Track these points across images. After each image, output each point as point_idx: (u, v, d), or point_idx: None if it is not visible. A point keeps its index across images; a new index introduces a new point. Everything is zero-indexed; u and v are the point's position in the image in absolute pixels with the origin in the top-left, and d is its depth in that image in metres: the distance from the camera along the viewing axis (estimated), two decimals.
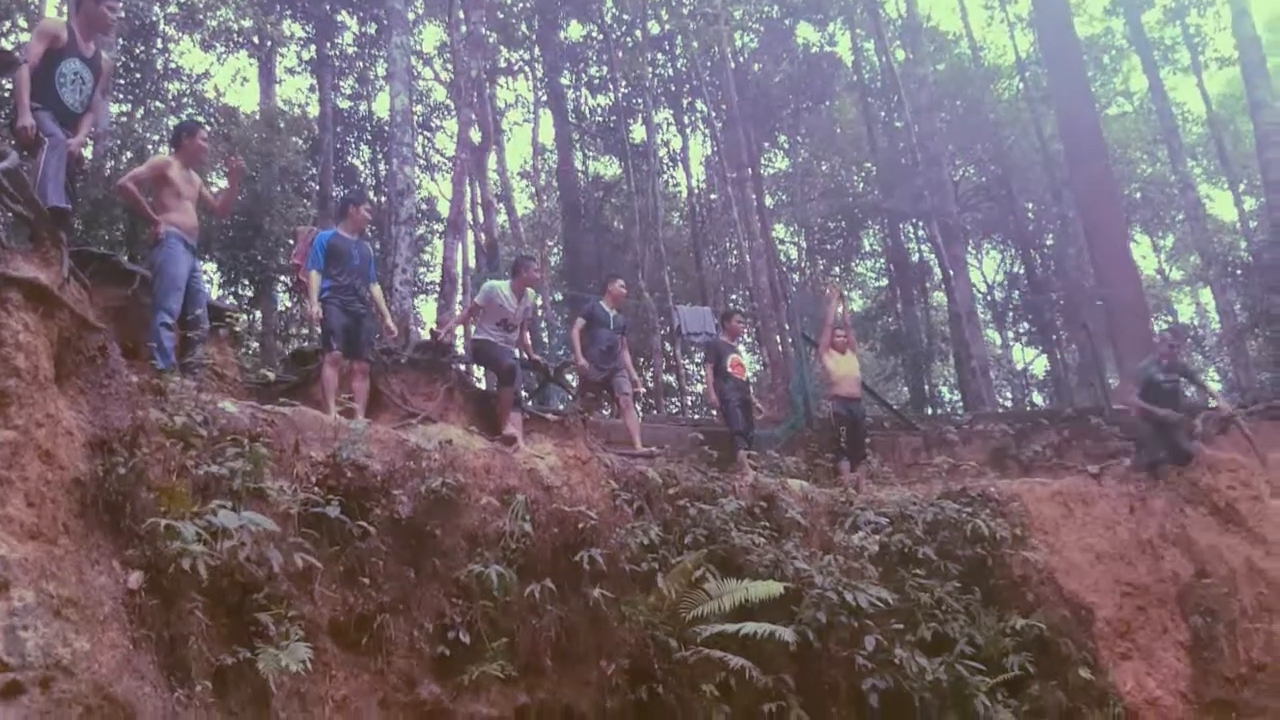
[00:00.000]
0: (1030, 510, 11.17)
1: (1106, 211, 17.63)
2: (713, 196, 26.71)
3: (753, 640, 8.22)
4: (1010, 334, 27.57)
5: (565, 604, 7.87)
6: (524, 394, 11.68)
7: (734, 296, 23.56)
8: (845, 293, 28.07)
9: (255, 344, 19.01)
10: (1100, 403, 15.89)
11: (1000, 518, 10.79)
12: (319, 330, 9.82)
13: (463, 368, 11.77)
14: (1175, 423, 12.25)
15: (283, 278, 18.18)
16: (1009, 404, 24.85)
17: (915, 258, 25.20)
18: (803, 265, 28.98)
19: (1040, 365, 26.69)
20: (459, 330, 12.46)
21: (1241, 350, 20.04)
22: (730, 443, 12.13)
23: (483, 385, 11.47)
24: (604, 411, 12.56)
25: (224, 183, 15.18)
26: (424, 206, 25.75)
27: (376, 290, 10.31)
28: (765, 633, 8.20)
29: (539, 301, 20.61)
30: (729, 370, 12.49)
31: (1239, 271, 19.29)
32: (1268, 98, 19.04)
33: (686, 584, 8.62)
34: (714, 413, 13.41)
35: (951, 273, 20.41)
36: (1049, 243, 24.51)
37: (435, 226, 25.86)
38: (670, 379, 21.01)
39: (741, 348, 14.73)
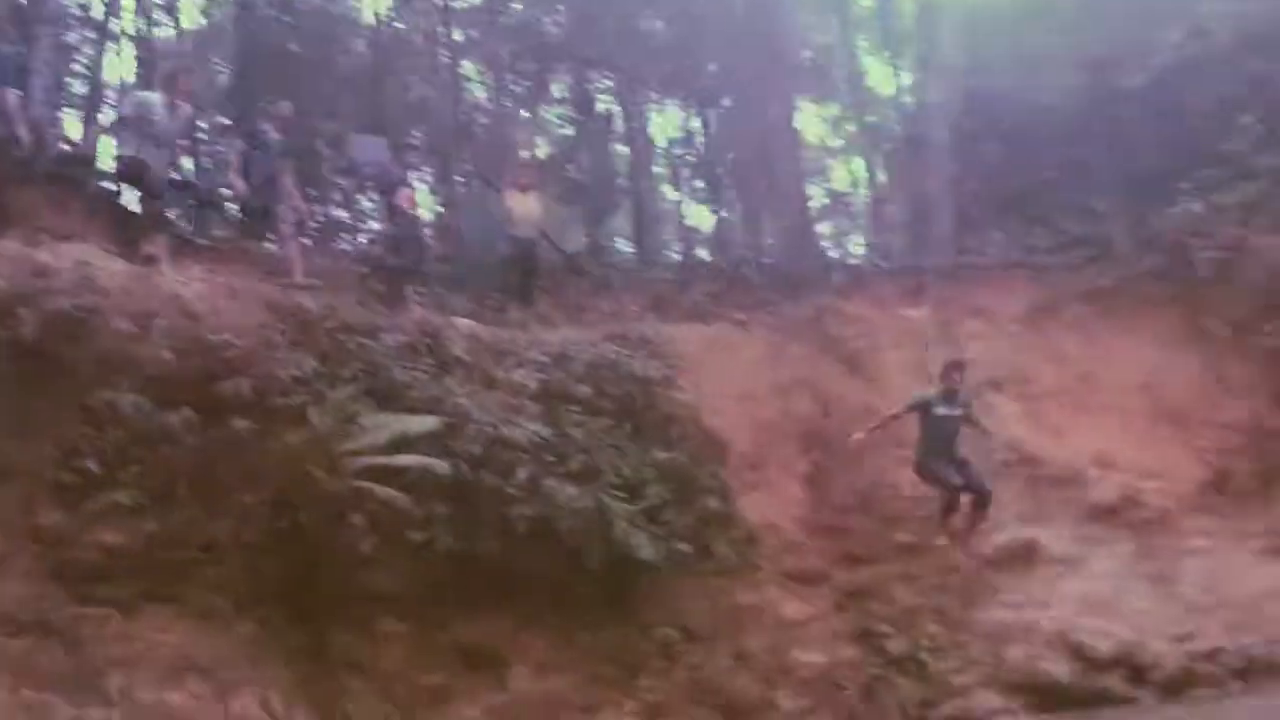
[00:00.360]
0: (683, 353, 11.91)
1: (772, 77, 18.48)
2: (399, 26, 25.48)
3: (406, 473, 8.32)
4: (684, 190, 28.51)
5: (206, 434, 7.63)
6: (175, 216, 10.97)
7: (415, 132, 22.81)
8: (533, 137, 27.99)
9: None
10: (754, 257, 16.97)
11: (655, 360, 11.42)
12: None
13: (106, 184, 10.84)
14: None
15: None
16: (679, 257, 25.84)
17: (600, 108, 25.35)
18: (489, 106, 28.30)
19: (709, 222, 27.91)
20: (105, 144, 11.44)
21: (882, 214, 21.89)
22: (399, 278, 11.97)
23: (127, 203, 10.58)
24: (268, 242, 12.00)
25: None
26: (77, 11, 23.02)
27: (11, 96, 9.26)
28: (419, 466, 8.34)
29: (203, 125, 19.12)
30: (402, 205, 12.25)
31: (888, 144, 20.88)
32: None
33: (340, 417, 8.53)
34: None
35: (633, 125, 20.79)
36: (726, 103, 25.37)
37: (90, 35, 23.13)
38: (343, 214, 20.28)
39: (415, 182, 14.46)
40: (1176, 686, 9.36)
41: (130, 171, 10.02)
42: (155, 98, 10.14)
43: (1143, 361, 12.97)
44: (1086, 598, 10.13)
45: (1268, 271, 12.70)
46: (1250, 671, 9.23)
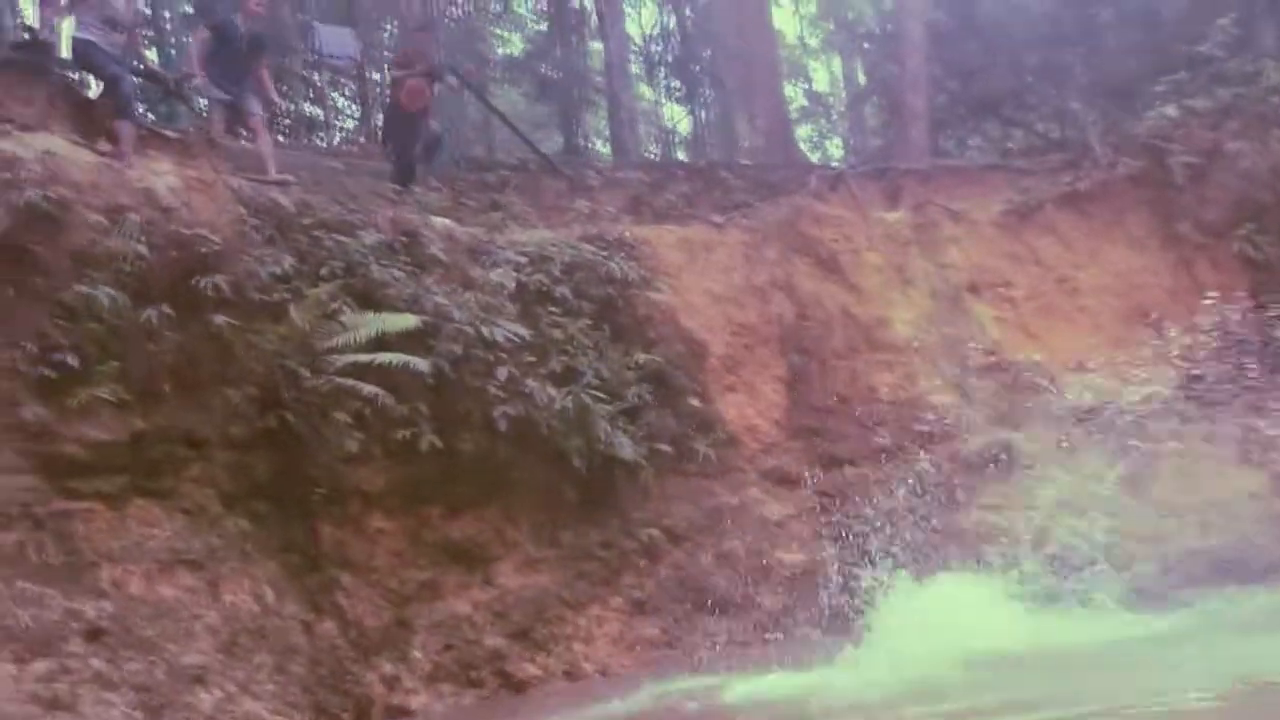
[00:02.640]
0: (659, 255, 11.84)
1: None
2: None
3: (388, 371, 8.32)
4: (661, 90, 28.11)
5: (185, 330, 7.52)
6: (142, 107, 10.65)
7: (385, 25, 22.22)
8: (504, 33, 27.28)
9: None
10: (730, 159, 16.81)
11: (632, 261, 11.36)
12: None
13: (66, 73, 10.44)
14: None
15: None
16: (656, 158, 25.59)
17: (575, 4, 24.82)
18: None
19: (686, 123, 27.59)
20: (64, 29, 10.96)
21: (860, 116, 21.73)
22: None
23: (91, 94, 10.22)
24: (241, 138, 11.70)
25: None
26: None
27: None
28: (400, 363, 8.33)
29: (167, 14, 18.48)
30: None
31: (864, 41, 20.61)
32: None
33: (320, 315, 8.49)
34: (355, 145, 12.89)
35: (608, 21, 20.34)
36: (702, 0, 24.91)
37: None
38: (316, 110, 19.84)
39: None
40: (1155, 589, 9.59)
41: (81, 55, 9.68)
42: None
43: (1117, 265, 13.05)
44: (1062, 500, 10.33)
45: (1241, 176, 12.72)
46: (1222, 572, 9.47)
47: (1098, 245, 13.12)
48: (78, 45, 9.61)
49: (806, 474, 11.38)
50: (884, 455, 11.42)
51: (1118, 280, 12.87)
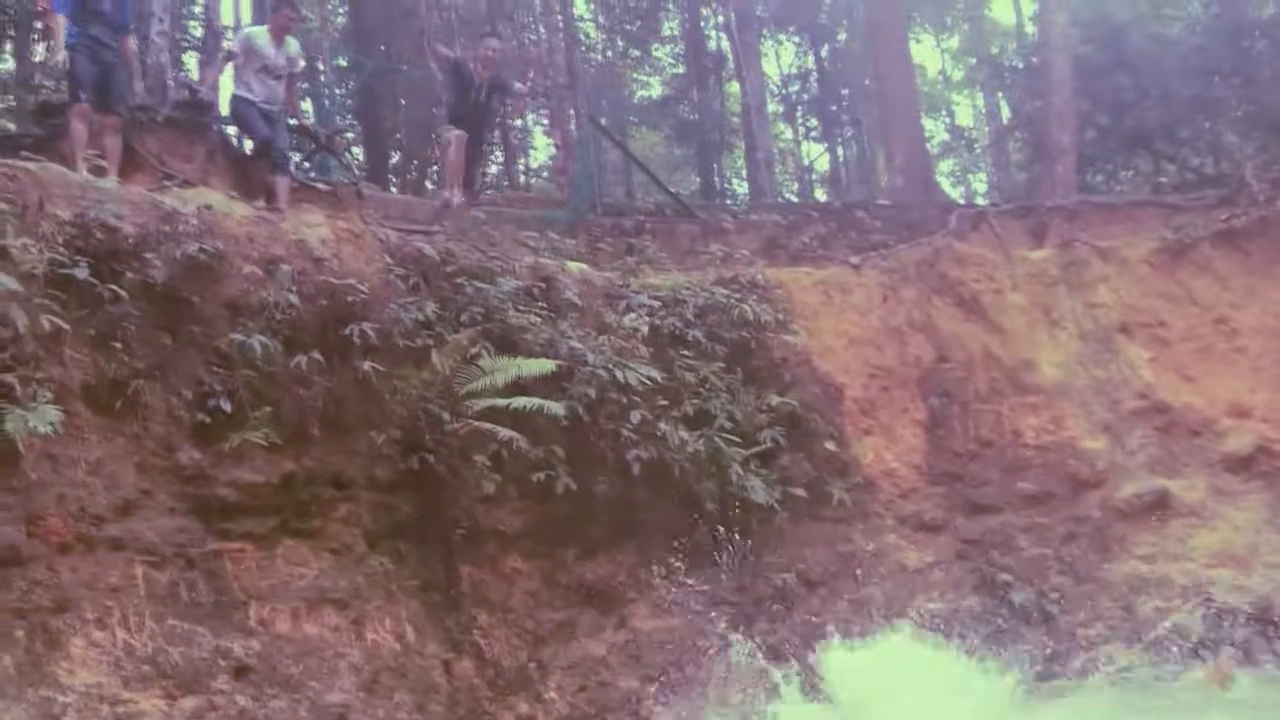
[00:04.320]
0: (794, 297, 11.79)
1: (888, 8, 17.95)
2: None
3: (524, 414, 8.48)
4: (800, 129, 28.11)
5: (334, 376, 7.84)
6: (297, 157, 11.20)
7: (530, 74, 22.86)
8: (643, 76, 27.68)
9: (9, 97, 17.26)
10: (867, 197, 16.62)
11: (766, 304, 11.32)
12: (67, 82, 9.05)
13: (225, 129, 11.09)
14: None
15: (36, 24, 16.40)
16: (795, 198, 25.56)
17: (712, 45, 25.11)
18: (600, 45, 28.21)
19: (824, 162, 27.47)
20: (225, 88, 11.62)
21: (1004, 152, 21.21)
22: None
23: (249, 149, 10.81)
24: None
25: None
26: None
27: (131, 42, 9.52)
28: (536, 407, 8.48)
29: (321, 67, 19.44)
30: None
31: (1008, 75, 20.19)
32: None
33: (461, 360, 8.70)
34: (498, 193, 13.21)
35: (744, 63, 20.49)
36: (841, 37, 24.86)
37: None
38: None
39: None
40: None
41: (236, 113, 10.20)
42: (260, 31, 10.26)
43: (1278, 305, 12.41)
44: (1220, 550, 9.84)
45: None
46: None
47: (1256, 284, 12.53)
48: (234, 103, 10.16)
49: (948, 520, 11.10)
50: (1030, 502, 11.07)
51: (1278, 321, 12.21)
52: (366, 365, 7.95)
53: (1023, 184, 19.29)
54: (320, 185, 10.80)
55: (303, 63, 11.08)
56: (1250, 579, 9.54)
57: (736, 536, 9.74)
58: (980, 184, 27.60)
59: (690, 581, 9.42)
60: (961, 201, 19.46)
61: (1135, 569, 10.19)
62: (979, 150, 26.69)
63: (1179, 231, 12.96)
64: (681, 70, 25.12)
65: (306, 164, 12.52)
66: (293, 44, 10.33)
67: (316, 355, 7.65)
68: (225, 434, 7.15)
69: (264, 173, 9.80)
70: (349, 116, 18.17)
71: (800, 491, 10.24)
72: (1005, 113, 22.29)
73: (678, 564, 9.45)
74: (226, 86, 10.51)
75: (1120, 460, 11.14)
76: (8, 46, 17.91)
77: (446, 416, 8.36)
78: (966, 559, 10.76)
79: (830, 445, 10.85)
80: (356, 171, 11.84)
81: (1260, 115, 15.05)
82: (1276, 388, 11.53)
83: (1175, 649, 9.71)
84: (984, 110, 26.25)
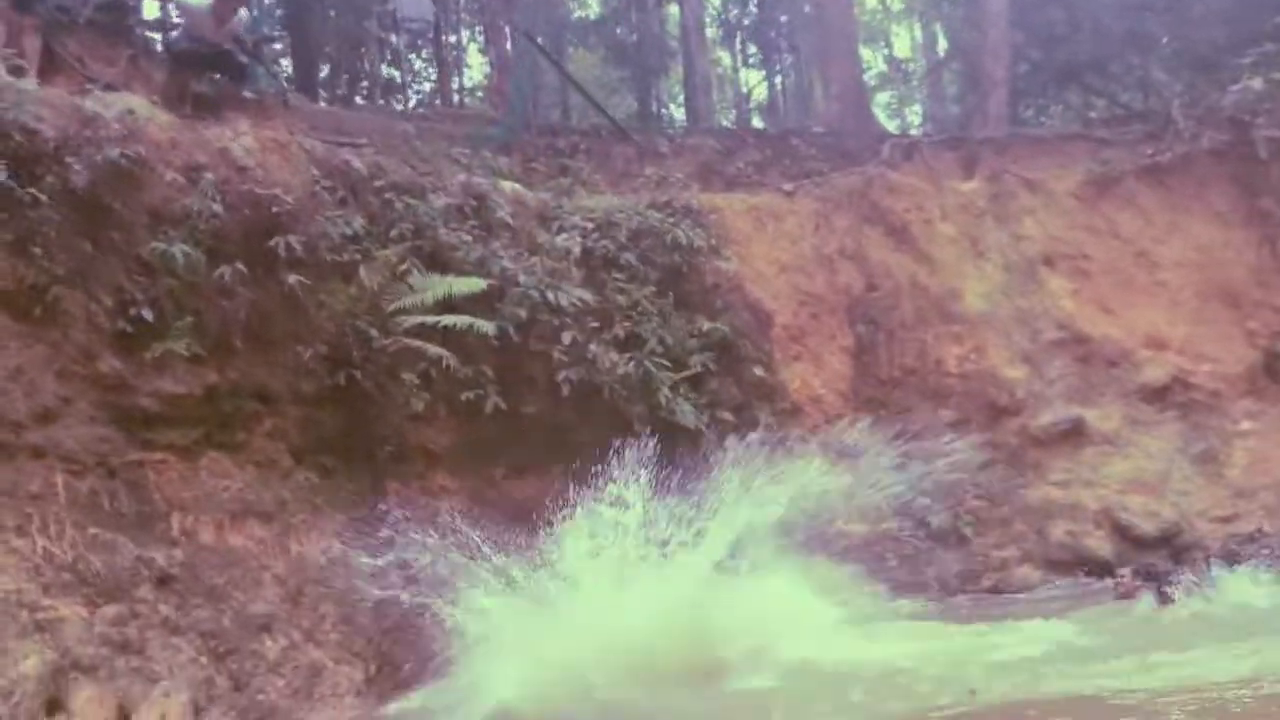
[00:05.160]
0: (727, 223, 11.81)
1: None
2: None
3: (454, 332, 8.44)
4: (738, 55, 27.86)
5: (259, 288, 7.71)
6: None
7: None
8: None
9: None
10: (803, 125, 16.59)
11: (699, 229, 11.32)
12: None
13: (148, 33, 10.70)
14: None
15: None
16: (732, 125, 25.40)
17: None
18: None
19: (762, 89, 27.33)
20: None
21: (939, 84, 21.29)
22: None
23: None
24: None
25: None
26: None
27: None
28: (467, 325, 8.44)
29: None
30: None
31: (945, 6, 20.14)
32: None
33: (390, 276, 8.62)
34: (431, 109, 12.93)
35: None
36: None
37: None
38: (393, 71, 20.02)
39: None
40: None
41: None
42: None
43: (1198, 240, 12.71)
44: (1132, 479, 10.18)
45: None
46: None
47: (1178, 219, 12.80)
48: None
49: (871, 446, 11.31)
50: (950, 428, 11.31)
51: (1198, 256, 12.55)
52: (292, 279, 7.83)
53: (956, 116, 19.40)
54: (246, 94, 10.48)
55: None
56: (1161, 506, 9.89)
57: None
58: (915, 116, 27.69)
59: None
60: (896, 133, 19.49)
61: (1049, 494, 10.49)
62: (915, 82, 26.73)
63: (1105, 165, 13.16)
64: None
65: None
66: None
67: (240, 266, 7.53)
68: (147, 344, 7.03)
69: (187, 77, 9.45)
70: (277, 26, 17.60)
71: (728, 415, 10.34)
72: (942, 45, 22.33)
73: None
74: None
75: (1039, 389, 11.40)
76: None
77: (374, 333, 8.29)
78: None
79: (759, 371, 10.97)
80: (284, 82, 11.46)
81: (1189, 52, 15.25)
82: (1194, 321, 11.84)
83: (1084, 570, 10.07)
84: (921, 42, 26.26)
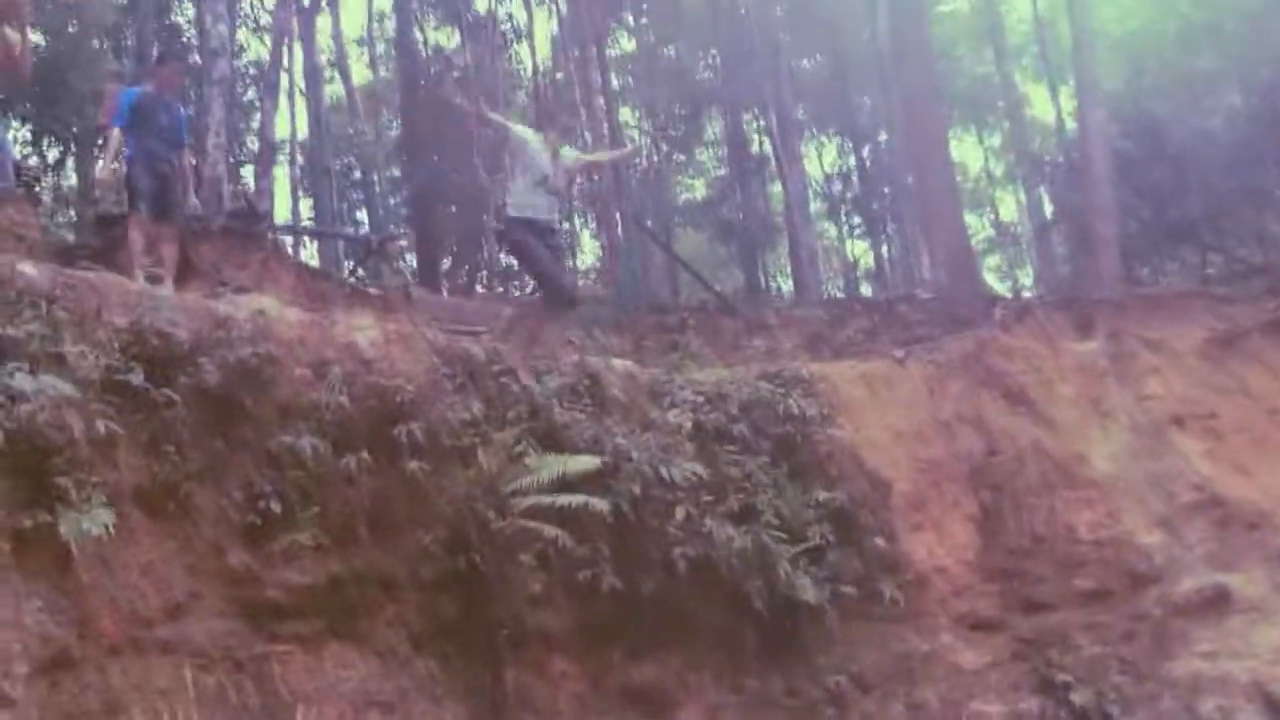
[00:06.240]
0: (838, 391, 11.75)
1: (928, 108, 18.18)
2: (558, 75, 26.31)
3: (569, 512, 8.46)
4: (844, 226, 28.38)
5: (382, 476, 7.90)
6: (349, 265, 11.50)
7: (579, 179, 23.38)
8: (687, 179, 28.10)
9: (70, 211, 17.97)
10: (911, 291, 16.66)
11: (810, 398, 11.29)
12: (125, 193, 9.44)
13: (279, 238, 11.48)
14: None
15: (97, 141, 17.16)
16: (841, 293, 25.68)
17: (754, 148, 25.55)
18: (646, 150, 28.87)
19: (868, 258, 27.64)
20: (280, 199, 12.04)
21: (1047, 245, 21.28)
22: None
23: (303, 257, 11.19)
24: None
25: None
26: (253, 70, 24.62)
27: (187, 155, 9.92)
28: (581, 504, 8.47)
29: (375, 178, 20.03)
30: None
31: (1049, 170, 20.32)
32: None
33: (506, 458, 8.74)
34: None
35: (786, 164, 20.81)
36: (881, 138, 25.21)
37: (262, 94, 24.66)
38: (511, 260, 20.91)
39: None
40: None
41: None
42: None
43: None
44: None
45: None
46: None
47: None
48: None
49: (1004, 619, 10.84)
50: (1088, 599, 10.80)
51: None
52: (414, 465, 8.02)
53: (1067, 277, 19.25)
54: (371, 290, 11.08)
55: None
56: None
57: (787, 637, 9.59)
58: (1026, 277, 27.54)
59: (741, 684, 9.25)
60: (1007, 295, 19.42)
61: (1196, 667, 9.87)
62: (1023, 245, 26.72)
63: (1228, 322, 12.84)
64: (724, 172, 25.55)
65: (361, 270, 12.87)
66: None
67: (365, 455, 7.74)
68: (275, 535, 7.21)
69: (317, 277, 10.04)
70: (402, 225, 18.67)
71: (850, 589, 10.05)
72: (1048, 207, 22.39)
73: (727, 666, 9.30)
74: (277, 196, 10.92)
75: (1178, 555, 10.87)
76: (70, 163, 18.71)
77: (492, 515, 8.35)
78: (1024, 659, 10.47)
79: (880, 541, 10.68)
80: (408, 276, 12.08)
81: None
82: None
83: None
84: (1025, 205, 26.38)
